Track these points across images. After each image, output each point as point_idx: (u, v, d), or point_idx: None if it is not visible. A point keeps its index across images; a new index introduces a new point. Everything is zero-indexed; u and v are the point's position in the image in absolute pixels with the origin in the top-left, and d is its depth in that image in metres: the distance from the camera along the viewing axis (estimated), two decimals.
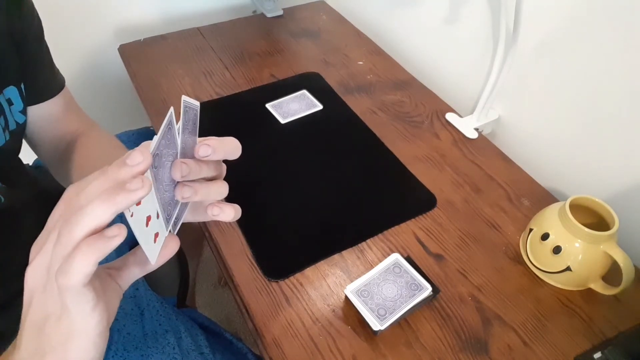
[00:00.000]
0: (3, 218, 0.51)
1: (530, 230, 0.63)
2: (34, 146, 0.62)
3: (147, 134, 0.88)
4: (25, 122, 0.54)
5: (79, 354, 0.31)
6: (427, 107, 0.90)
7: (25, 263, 0.57)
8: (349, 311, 0.59)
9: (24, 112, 0.53)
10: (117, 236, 0.29)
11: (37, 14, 0.54)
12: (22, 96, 0.52)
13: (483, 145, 0.83)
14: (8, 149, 0.52)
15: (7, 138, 0.51)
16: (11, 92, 0.51)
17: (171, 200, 0.36)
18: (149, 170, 0.31)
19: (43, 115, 0.57)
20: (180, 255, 0.94)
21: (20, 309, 0.54)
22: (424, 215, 0.70)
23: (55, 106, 0.58)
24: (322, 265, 0.64)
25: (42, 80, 0.56)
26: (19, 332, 0.33)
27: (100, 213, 0.28)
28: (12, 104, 0.51)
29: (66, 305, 0.30)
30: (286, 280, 0.62)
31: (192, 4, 1.23)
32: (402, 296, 0.57)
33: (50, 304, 0.30)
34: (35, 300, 0.31)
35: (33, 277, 0.31)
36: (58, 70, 0.60)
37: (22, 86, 0.52)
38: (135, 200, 0.29)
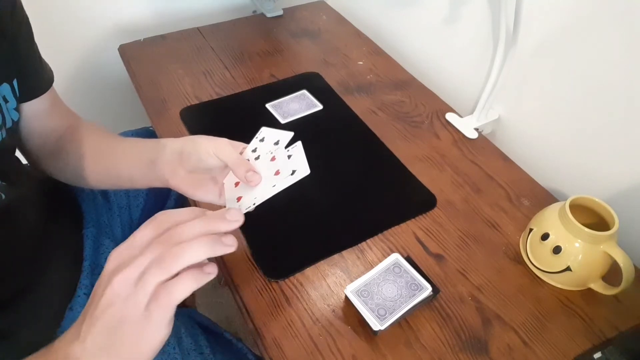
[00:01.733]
0: (3, 215, 0.51)
1: (530, 230, 0.63)
2: (20, 140, 0.62)
3: (147, 134, 0.88)
4: (19, 120, 0.54)
5: (145, 354, 0.37)
6: (427, 107, 0.90)
7: (24, 261, 0.58)
8: (349, 311, 0.59)
9: (17, 109, 0.53)
10: (212, 274, 0.37)
11: (26, 14, 0.55)
12: (15, 94, 0.53)
13: (483, 145, 0.83)
14: (6, 147, 0.52)
15: (4, 136, 0.51)
16: (5, 89, 0.51)
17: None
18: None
19: (34, 110, 0.58)
20: None
21: (21, 307, 0.54)
22: (424, 215, 0.70)
23: (45, 101, 0.59)
24: (322, 265, 0.64)
25: (34, 78, 0.57)
26: (81, 327, 0.37)
27: (200, 254, 0.36)
28: (8, 102, 0.51)
29: (151, 316, 0.36)
30: (286, 280, 0.62)
31: (192, 4, 1.23)
32: (402, 296, 0.57)
33: (131, 311, 0.35)
34: (117, 305, 0.36)
35: (120, 285, 0.36)
36: (46, 64, 0.60)
37: (15, 84, 0.52)
38: (227, 252, 0.38)
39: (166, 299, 0.35)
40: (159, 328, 0.36)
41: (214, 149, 0.51)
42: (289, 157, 0.51)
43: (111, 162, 0.60)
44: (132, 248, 0.37)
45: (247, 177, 0.49)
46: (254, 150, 0.54)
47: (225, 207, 0.51)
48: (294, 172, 0.50)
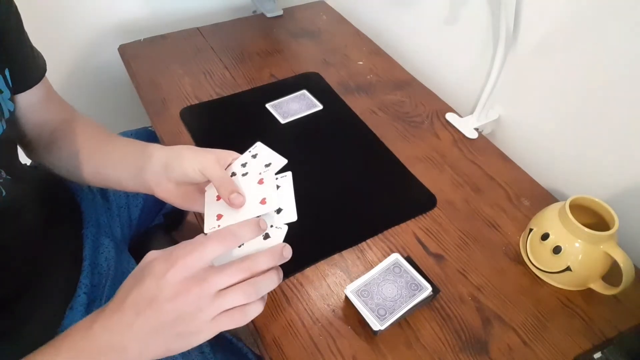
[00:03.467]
0: (3, 214, 0.51)
1: (530, 230, 0.63)
2: (19, 132, 0.62)
3: (146, 134, 0.88)
4: (14, 111, 0.54)
5: (185, 349, 0.41)
6: (427, 107, 0.90)
7: (24, 260, 0.57)
8: (349, 311, 0.59)
9: (12, 100, 0.53)
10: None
11: (15, 4, 0.54)
12: (8, 84, 0.52)
13: (483, 145, 0.83)
14: (7, 139, 0.52)
15: (4, 127, 0.51)
16: None
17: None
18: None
19: (28, 102, 0.58)
20: None
21: (21, 306, 0.54)
22: (424, 215, 0.70)
23: (38, 92, 0.59)
24: (322, 265, 0.64)
25: (26, 68, 0.57)
26: (131, 318, 0.39)
27: (272, 287, 0.43)
28: (2, 92, 0.51)
29: (216, 326, 0.40)
30: (286, 280, 0.62)
31: (192, 4, 1.23)
32: (402, 296, 0.57)
33: (200, 318, 0.40)
34: (188, 310, 0.39)
35: (198, 297, 0.40)
36: (39, 54, 0.60)
37: (7, 74, 0.52)
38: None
39: (241, 318, 0.41)
40: (212, 334, 0.41)
41: (199, 165, 0.50)
42: (278, 187, 0.50)
43: (101, 162, 0.60)
44: (203, 263, 0.40)
45: (231, 199, 0.49)
46: (244, 165, 0.52)
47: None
48: (280, 210, 0.49)
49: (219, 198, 0.52)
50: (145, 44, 1.03)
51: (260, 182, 0.50)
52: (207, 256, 0.40)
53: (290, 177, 0.51)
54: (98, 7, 1.12)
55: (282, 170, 0.52)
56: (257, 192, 0.50)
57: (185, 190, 0.55)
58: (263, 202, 0.49)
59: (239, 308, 0.41)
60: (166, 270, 0.39)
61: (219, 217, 0.50)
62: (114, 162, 0.59)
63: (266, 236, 0.46)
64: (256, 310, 0.42)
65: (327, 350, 0.55)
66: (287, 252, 0.45)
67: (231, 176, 0.52)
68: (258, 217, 0.47)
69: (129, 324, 0.39)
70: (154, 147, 0.56)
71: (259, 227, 0.44)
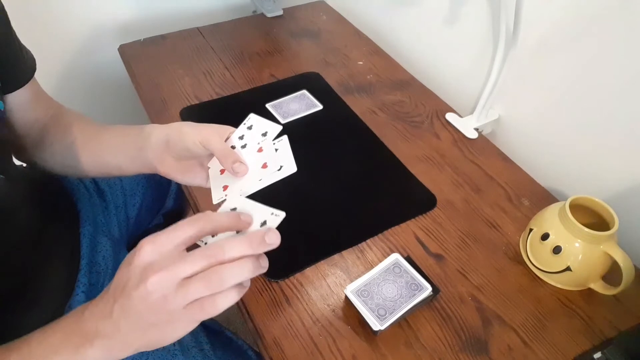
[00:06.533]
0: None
1: (530, 230, 0.63)
2: (9, 131, 0.62)
3: None
4: (3, 111, 0.54)
5: (170, 341, 0.40)
6: (427, 107, 0.90)
7: (21, 260, 0.57)
8: (349, 311, 0.58)
9: (2, 99, 0.53)
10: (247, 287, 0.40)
11: (1, 2, 0.54)
12: None
13: (483, 145, 0.83)
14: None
15: None
16: None
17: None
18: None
19: (17, 101, 0.57)
20: None
21: (19, 306, 0.54)
22: (424, 215, 0.70)
23: (28, 91, 0.59)
24: (322, 265, 0.64)
25: (15, 67, 0.56)
26: (113, 306, 0.38)
27: (243, 277, 0.38)
28: None
29: (190, 316, 0.38)
30: (286, 280, 0.62)
31: (192, 4, 1.23)
32: (402, 296, 0.57)
33: (168, 307, 0.37)
34: (153, 300, 0.37)
35: (156, 286, 0.37)
36: (27, 52, 0.60)
37: None
38: (261, 273, 0.40)
39: (211, 309, 0.38)
40: (190, 325, 0.39)
41: (200, 139, 0.51)
42: (276, 150, 0.52)
43: (98, 150, 0.60)
44: (171, 245, 0.38)
45: (234, 168, 0.50)
46: (241, 138, 0.54)
47: (211, 192, 0.53)
48: (281, 167, 0.50)
49: (222, 171, 0.53)
50: (145, 44, 1.03)
51: (260, 150, 0.52)
52: (176, 238, 0.38)
53: (287, 139, 0.52)
54: (98, 7, 1.12)
55: (279, 135, 0.54)
56: (258, 159, 0.52)
57: (186, 165, 0.55)
58: (264, 166, 0.50)
59: (209, 297, 0.37)
60: (135, 255, 0.38)
61: (225, 188, 0.51)
62: (111, 147, 0.59)
63: (263, 223, 0.45)
64: (226, 301, 0.38)
65: (327, 350, 0.55)
66: (272, 239, 0.39)
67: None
68: (260, 180, 0.49)
69: (109, 312, 0.38)
70: (151, 127, 0.56)
71: (238, 217, 0.41)
